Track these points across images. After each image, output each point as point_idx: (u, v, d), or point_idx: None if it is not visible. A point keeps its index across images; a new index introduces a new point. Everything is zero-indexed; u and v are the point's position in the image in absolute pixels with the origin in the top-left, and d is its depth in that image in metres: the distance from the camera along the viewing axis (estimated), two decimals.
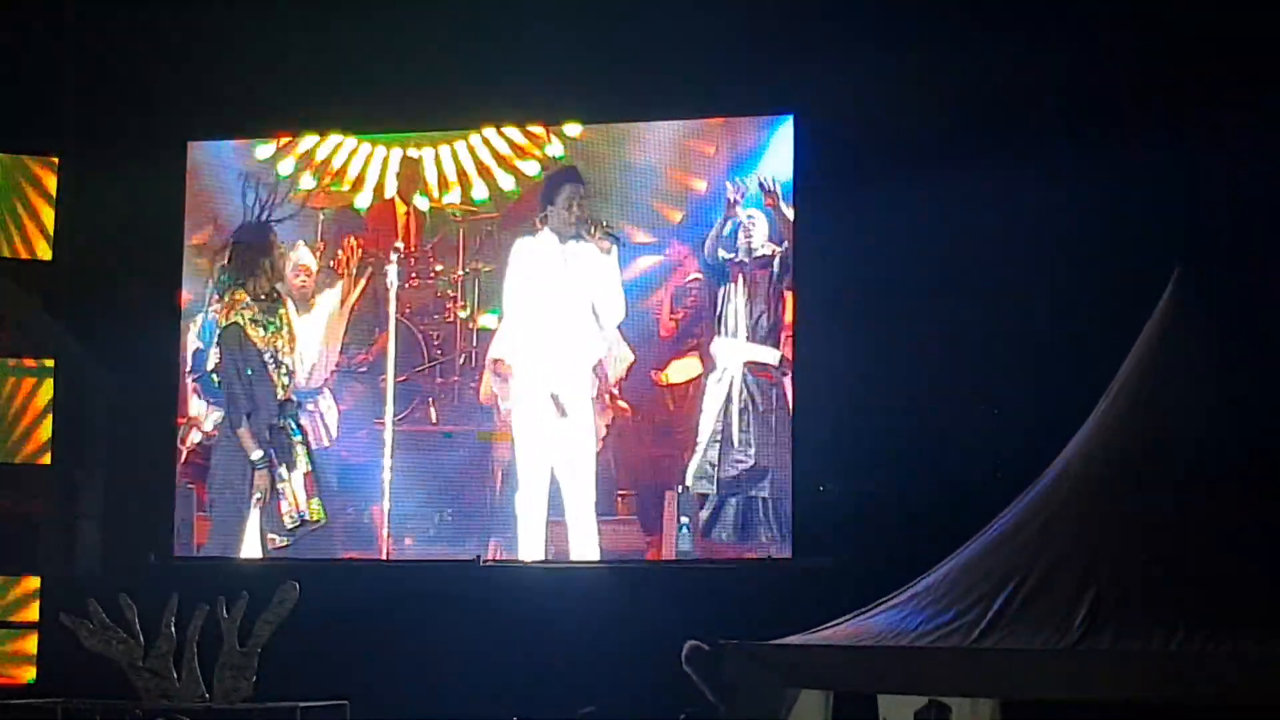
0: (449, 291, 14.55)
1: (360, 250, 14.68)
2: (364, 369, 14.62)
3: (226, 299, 14.57)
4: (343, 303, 14.66)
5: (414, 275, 14.62)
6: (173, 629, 12.72)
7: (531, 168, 14.42)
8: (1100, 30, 12.76)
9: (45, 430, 15.04)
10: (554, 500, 14.05)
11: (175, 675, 12.70)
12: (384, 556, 14.41)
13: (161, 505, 14.64)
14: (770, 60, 13.59)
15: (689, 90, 14.00)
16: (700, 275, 13.97)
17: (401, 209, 14.69)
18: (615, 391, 14.05)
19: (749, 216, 13.89)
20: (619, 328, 14.03)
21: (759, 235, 13.86)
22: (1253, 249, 12.19)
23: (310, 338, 14.63)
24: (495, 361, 14.25)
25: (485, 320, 14.43)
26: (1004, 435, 12.50)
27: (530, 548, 14.06)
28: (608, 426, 14.05)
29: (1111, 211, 12.70)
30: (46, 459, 15.01)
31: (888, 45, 13.14)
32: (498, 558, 14.09)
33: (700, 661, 10.05)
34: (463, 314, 14.50)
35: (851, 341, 13.27)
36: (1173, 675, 8.78)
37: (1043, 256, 12.94)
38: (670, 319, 14.01)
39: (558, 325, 14.05)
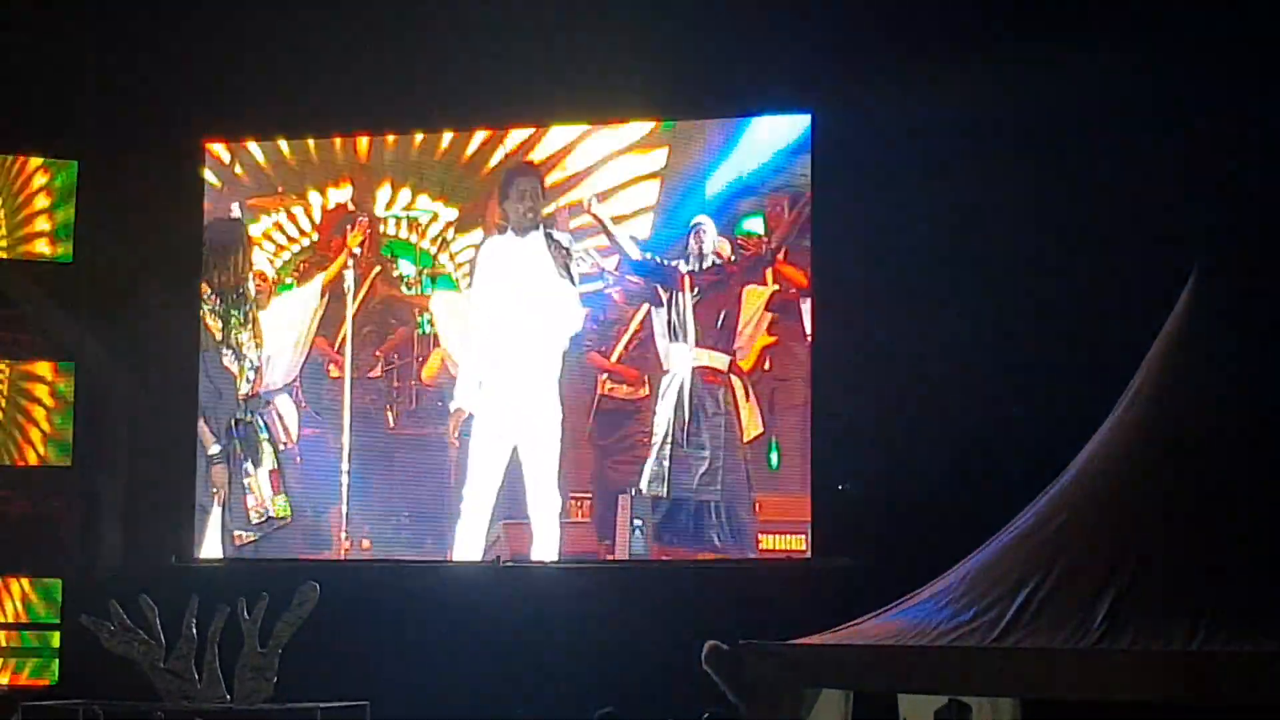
0: (405, 294, 14.56)
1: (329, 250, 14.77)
2: (322, 371, 14.63)
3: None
4: (304, 304, 14.72)
5: (371, 279, 14.63)
6: (193, 630, 12.74)
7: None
8: (1119, 28, 12.73)
9: (66, 432, 15.09)
10: (517, 501, 14.07)
11: (196, 676, 12.72)
12: (341, 558, 14.44)
13: (182, 506, 14.68)
14: (786, 59, 13.58)
15: (704, 90, 14.01)
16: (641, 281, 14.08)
17: (358, 213, 14.73)
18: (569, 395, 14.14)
19: (698, 224, 13.92)
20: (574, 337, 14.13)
21: (709, 241, 13.88)
22: (1272, 245, 12.15)
23: (271, 338, 14.63)
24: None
25: (441, 323, 14.47)
26: (1024, 434, 12.47)
27: (474, 548, 14.11)
28: (562, 429, 14.13)
29: (1131, 209, 12.68)
30: (67, 461, 15.07)
31: (904, 43, 13.15)
32: (512, 559, 14.11)
33: (720, 662, 10.01)
34: (419, 317, 14.52)
35: (868, 339, 13.28)
36: (1193, 675, 8.74)
37: (1062, 254, 12.92)
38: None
39: (522, 323, 14.13)
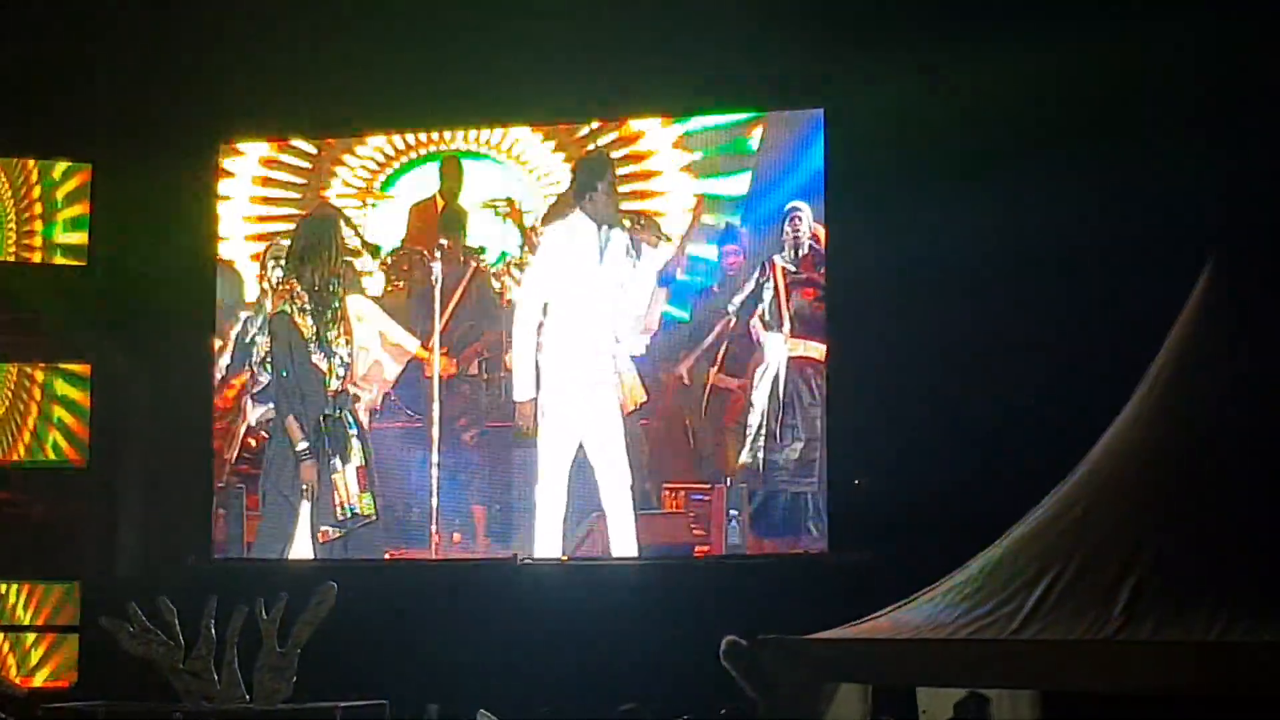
0: (493, 286, 14.56)
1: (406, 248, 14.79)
2: (413, 367, 14.65)
3: (280, 288, 14.61)
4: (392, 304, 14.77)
5: (458, 271, 14.64)
6: (212, 631, 12.73)
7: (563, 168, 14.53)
8: (1131, 22, 12.70)
9: (82, 434, 15.12)
10: (593, 494, 14.06)
11: (215, 677, 12.70)
12: (434, 552, 14.45)
13: (199, 506, 14.71)
14: (800, 54, 13.56)
15: (718, 85, 13.99)
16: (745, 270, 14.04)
17: (443, 205, 14.74)
18: (659, 385, 14.09)
19: (794, 209, 13.87)
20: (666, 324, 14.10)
21: (805, 227, 13.84)
22: None
23: (359, 333, 14.62)
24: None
25: (528, 315, 14.42)
26: (1040, 425, 12.46)
27: (551, 542, 14.11)
28: (649, 416, 14.10)
29: (1146, 202, 12.65)
30: (84, 463, 15.11)
31: (919, 38, 13.14)
32: (535, 556, 14.10)
33: (739, 656, 10.00)
34: (507, 308, 14.51)
35: (885, 335, 13.26)
36: (1213, 665, 8.72)
37: (1077, 248, 12.90)
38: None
39: (592, 311, 14.08)
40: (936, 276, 13.18)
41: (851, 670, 9.80)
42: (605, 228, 13.95)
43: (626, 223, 13.95)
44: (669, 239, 13.91)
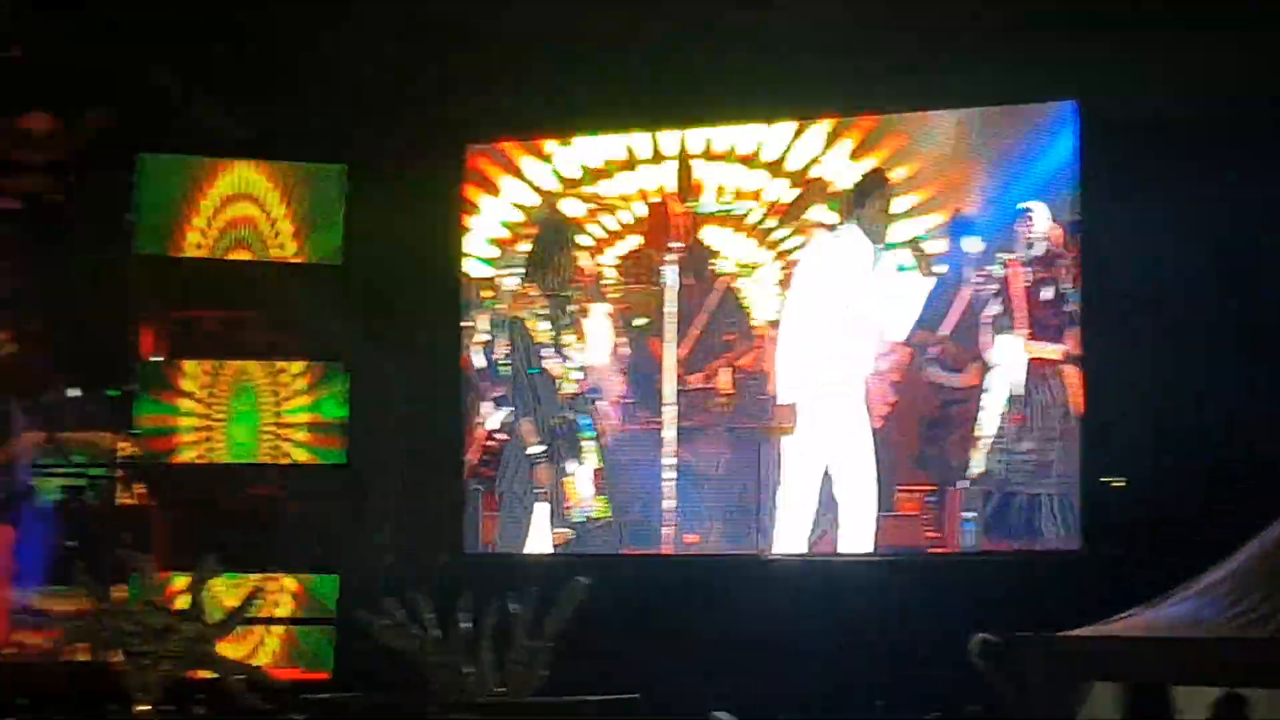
0: (730, 290, 14.60)
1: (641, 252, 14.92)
2: (650, 367, 14.77)
3: (517, 293, 14.75)
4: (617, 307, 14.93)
5: (692, 275, 14.70)
6: (466, 625, 12.91)
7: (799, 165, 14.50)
8: None
9: (341, 432, 15.46)
10: (829, 496, 13.98)
11: (469, 671, 12.88)
12: (668, 553, 14.53)
13: (453, 504, 14.94)
14: (1050, 43, 13.36)
15: (962, 77, 13.84)
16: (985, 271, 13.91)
17: (677, 209, 14.80)
18: (894, 385, 14.02)
19: (1026, 209, 13.73)
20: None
21: (1039, 227, 13.70)
22: None
23: (595, 337, 14.75)
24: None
25: (764, 317, 14.44)
26: None
27: (797, 544, 14.02)
28: (885, 420, 13.98)
29: None
30: (343, 460, 15.46)
31: (1176, 24, 12.88)
32: (781, 552, 14.11)
33: (992, 655, 9.98)
34: (756, 322, 14.55)
35: (1140, 333, 13.07)
36: None
37: None
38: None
39: (849, 320, 13.91)
40: (1194, 274, 12.95)
41: (1106, 669, 9.72)
42: (876, 246, 13.80)
43: (897, 244, 13.79)
44: (934, 274, 13.73)
